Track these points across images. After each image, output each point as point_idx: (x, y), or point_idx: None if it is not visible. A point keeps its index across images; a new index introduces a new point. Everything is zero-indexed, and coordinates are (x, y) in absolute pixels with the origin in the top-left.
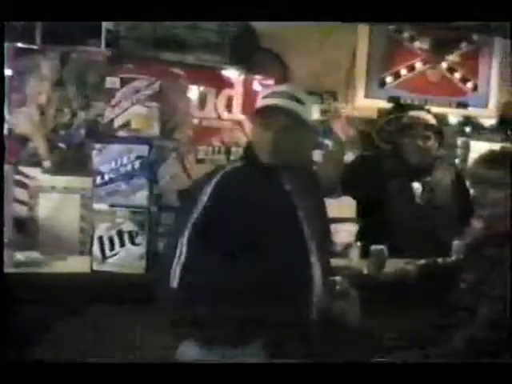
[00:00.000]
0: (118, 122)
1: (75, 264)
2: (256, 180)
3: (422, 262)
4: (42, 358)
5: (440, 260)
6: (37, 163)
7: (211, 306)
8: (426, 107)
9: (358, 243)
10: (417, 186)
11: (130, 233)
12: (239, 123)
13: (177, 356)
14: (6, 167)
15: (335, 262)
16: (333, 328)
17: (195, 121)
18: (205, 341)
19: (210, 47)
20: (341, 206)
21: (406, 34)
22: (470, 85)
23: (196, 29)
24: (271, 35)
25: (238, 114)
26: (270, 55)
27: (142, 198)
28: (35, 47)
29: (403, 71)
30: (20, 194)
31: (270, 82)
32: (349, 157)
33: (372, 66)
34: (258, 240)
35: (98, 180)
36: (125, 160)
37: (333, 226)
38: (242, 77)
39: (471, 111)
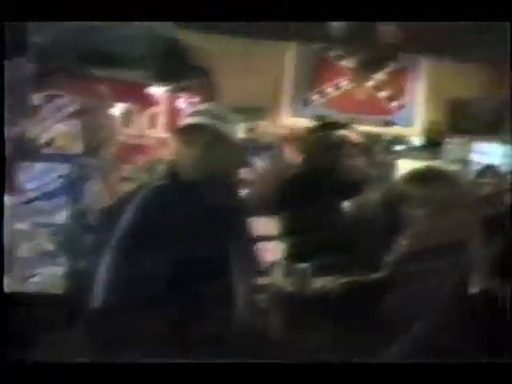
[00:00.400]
0: (42, 140)
1: None
2: (179, 197)
3: (348, 279)
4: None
5: (366, 277)
6: None
7: (134, 324)
8: (353, 125)
9: (283, 261)
10: (346, 204)
11: (50, 253)
12: (164, 141)
13: None
14: None
15: (260, 280)
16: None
17: (120, 138)
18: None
19: (137, 63)
20: (267, 224)
21: (333, 53)
22: (396, 103)
23: (123, 44)
24: (200, 52)
25: (162, 131)
26: (198, 72)
27: (63, 217)
28: None
29: (330, 90)
30: None
31: (196, 99)
32: (282, 175)
33: (299, 85)
34: (181, 257)
35: (20, 199)
36: (47, 178)
37: (258, 244)
38: (168, 94)
39: (398, 129)
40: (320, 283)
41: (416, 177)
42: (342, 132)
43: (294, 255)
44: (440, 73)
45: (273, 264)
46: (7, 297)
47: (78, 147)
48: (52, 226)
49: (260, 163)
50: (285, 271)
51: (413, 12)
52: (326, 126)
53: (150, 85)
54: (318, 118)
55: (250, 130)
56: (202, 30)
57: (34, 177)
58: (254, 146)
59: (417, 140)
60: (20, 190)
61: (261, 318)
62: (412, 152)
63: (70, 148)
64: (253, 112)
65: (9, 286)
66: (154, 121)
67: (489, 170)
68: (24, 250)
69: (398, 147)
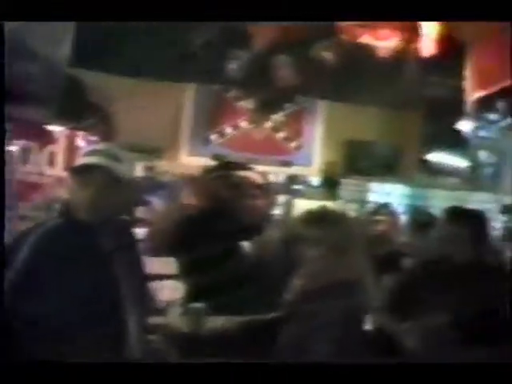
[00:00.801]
0: None
1: None
2: (73, 237)
3: (244, 318)
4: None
5: (262, 316)
6: None
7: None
8: (252, 166)
9: (180, 301)
10: (245, 244)
11: None
12: (61, 179)
13: None
14: None
15: (155, 320)
16: None
17: (17, 176)
18: None
19: (36, 100)
20: (166, 263)
21: (231, 94)
22: (294, 144)
23: (22, 80)
24: (99, 90)
25: (60, 169)
26: (97, 111)
27: None
28: None
29: (228, 130)
30: None
31: (95, 138)
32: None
33: (197, 124)
34: (75, 297)
35: None
36: None
37: (156, 283)
38: (67, 132)
39: (296, 169)
40: (216, 323)
41: (310, 218)
42: (241, 172)
43: (192, 295)
44: (337, 115)
45: (169, 303)
46: None
47: None
48: None
49: (158, 202)
50: (181, 311)
51: (413, 12)
52: (224, 166)
53: (50, 123)
54: (216, 157)
55: (149, 168)
56: (103, 70)
57: None
58: (152, 185)
59: (315, 180)
60: None
61: (154, 358)
62: (310, 192)
63: None
64: (151, 151)
65: None
66: (53, 159)
67: (383, 208)
68: None
69: (297, 187)
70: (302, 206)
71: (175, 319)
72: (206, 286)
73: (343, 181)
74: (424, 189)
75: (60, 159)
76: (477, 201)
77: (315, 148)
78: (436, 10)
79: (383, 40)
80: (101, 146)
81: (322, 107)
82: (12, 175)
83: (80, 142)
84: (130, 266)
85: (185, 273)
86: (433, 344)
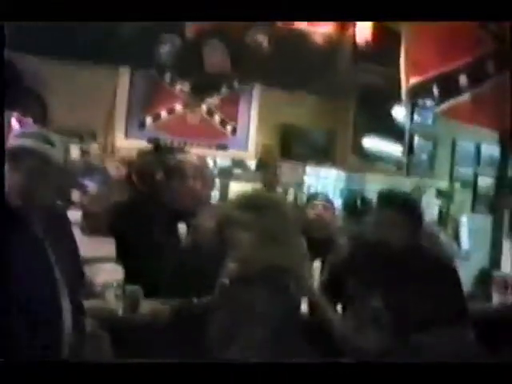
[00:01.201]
0: None
1: None
2: (6, 223)
3: (177, 302)
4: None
5: (195, 300)
6: None
7: None
8: (187, 149)
9: (115, 284)
10: (181, 227)
11: None
12: None
13: None
14: None
15: (92, 303)
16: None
17: None
18: None
19: None
20: (102, 245)
21: (166, 77)
22: (229, 128)
23: None
24: (33, 74)
25: None
26: (31, 95)
27: None
28: None
29: (163, 113)
30: None
31: (29, 120)
32: (116, 197)
33: (132, 108)
34: (12, 282)
35: None
36: None
37: (93, 267)
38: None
39: (231, 153)
40: (149, 306)
41: (242, 202)
42: (176, 155)
43: (128, 278)
44: (271, 100)
45: (105, 286)
46: None
47: None
48: None
49: (92, 185)
50: (117, 294)
51: (413, 12)
52: (159, 149)
53: None
54: (152, 140)
55: (84, 152)
56: (37, 54)
57: None
58: (87, 169)
59: (250, 164)
60: None
61: (89, 342)
62: (246, 175)
63: None
64: (86, 135)
65: None
66: None
67: (318, 193)
68: None
69: (232, 171)
70: (238, 189)
71: (111, 302)
72: (141, 269)
73: (278, 165)
74: (359, 174)
75: None
76: (412, 186)
77: (251, 132)
78: (436, 11)
79: (318, 26)
80: (33, 129)
81: (257, 92)
82: None
83: (14, 124)
84: (64, 250)
85: (122, 255)
86: (369, 330)
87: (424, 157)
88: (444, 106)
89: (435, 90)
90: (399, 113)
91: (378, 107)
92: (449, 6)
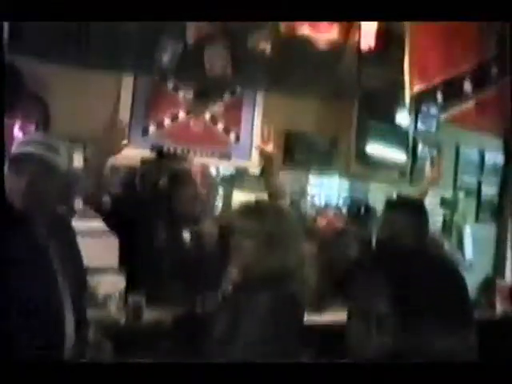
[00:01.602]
0: None
1: None
2: (11, 228)
3: (180, 310)
4: None
5: (198, 308)
6: None
7: None
8: (190, 157)
9: (117, 293)
10: (185, 234)
11: None
12: None
13: None
14: None
15: (95, 312)
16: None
17: None
18: None
19: None
20: (104, 254)
21: (170, 84)
22: (232, 135)
23: None
24: (36, 80)
25: None
26: (34, 100)
27: None
28: None
29: (167, 121)
30: None
31: (32, 127)
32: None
33: (135, 115)
34: (15, 289)
35: None
36: None
37: (95, 276)
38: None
39: (234, 161)
40: (153, 315)
41: (245, 210)
42: (179, 163)
43: (131, 286)
44: (274, 106)
45: (108, 296)
46: None
47: None
48: None
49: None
50: (120, 303)
51: (414, 11)
52: (163, 156)
53: None
54: (155, 148)
55: (87, 159)
56: (37, 59)
57: None
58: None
59: (253, 172)
60: None
61: (92, 351)
62: (248, 184)
63: None
64: (89, 141)
65: None
66: None
67: (322, 200)
68: None
69: (235, 179)
70: (240, 197)
71: (114, 312)
72: (144, 276)
73: (281, 172)
74: (362, 181)
75: None
76: (415, 193)
77: (254, 139)
78: (436, 10)
79: (322, 32)
80: (37, 136)
81: (260, 98)
82: None
83: (17, 131)
84: (68, 258)
85: (125, 264)
86: (374, 332)
87: (428, 164)
88: (448, 112)
89: (439, 97)
90: (403, 119)
91: (382, 114)
92: (449, 6)
